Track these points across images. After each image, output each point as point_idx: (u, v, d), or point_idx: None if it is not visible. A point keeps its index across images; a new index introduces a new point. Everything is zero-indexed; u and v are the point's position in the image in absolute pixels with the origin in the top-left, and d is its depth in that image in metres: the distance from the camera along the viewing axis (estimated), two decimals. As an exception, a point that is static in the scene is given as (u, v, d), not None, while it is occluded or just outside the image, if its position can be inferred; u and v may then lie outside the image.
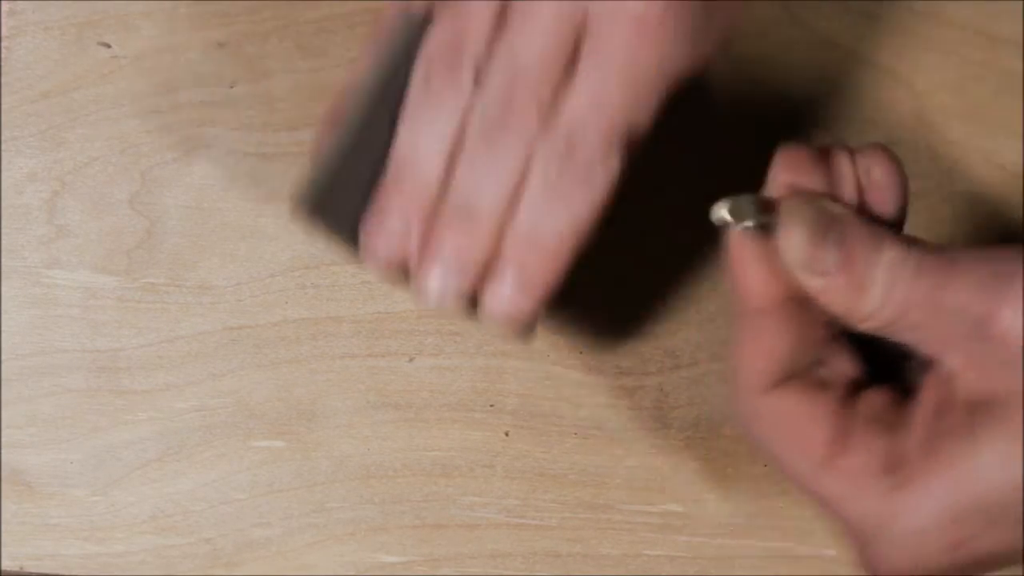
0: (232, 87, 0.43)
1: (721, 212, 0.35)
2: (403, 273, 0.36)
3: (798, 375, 0.35)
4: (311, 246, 0.43)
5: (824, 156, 0.35)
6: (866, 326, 0.34)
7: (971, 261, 0.33)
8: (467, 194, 0.34)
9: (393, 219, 0.35)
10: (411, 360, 0.43)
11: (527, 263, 0.34)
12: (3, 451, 0.43)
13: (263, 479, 0.43)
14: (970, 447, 0.32)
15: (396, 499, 0.43)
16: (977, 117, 0.44)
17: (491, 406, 0.44)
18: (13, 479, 0.43)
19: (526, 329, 0.36)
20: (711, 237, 0.44)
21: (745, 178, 0.44)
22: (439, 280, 0.35)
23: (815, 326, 0.35)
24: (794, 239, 0.34)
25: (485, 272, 0.35)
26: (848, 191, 0.35)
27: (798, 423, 0.34)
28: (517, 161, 0.34)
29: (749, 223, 0.35)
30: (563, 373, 0.43)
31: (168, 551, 0.43)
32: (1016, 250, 0.34)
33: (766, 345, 0.35)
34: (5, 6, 0.43)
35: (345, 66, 0.43)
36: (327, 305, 0.43)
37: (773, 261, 0.34)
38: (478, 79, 0.34)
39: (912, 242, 0.34)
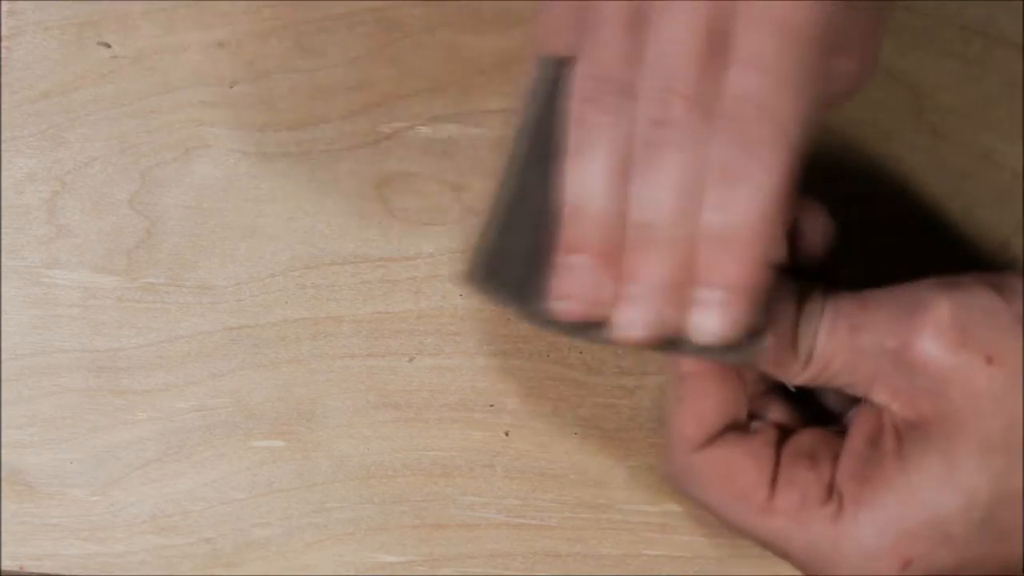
0: (232, 87, 0.43)
1: None
2: (603, 320, 0.33)
3: (729, 429, 0.36)
4: (311, 246, 0.43)
5: None
6: (799, 381, 0.35)
7: (882, 299, 0.34)
8: (645, 214, 0.31)
9: (578, 267, 0.32)
10: (411, 360, 0.43)
11: (724, 267, 0.31)
12: (3, 451, 0.43)
13: (263, 479, 0.43)
14: (901, 470, 0.33)
15: (396, 499, 0.43)
16: (977, 117, 0.44)
17: (491, 406, 0.44)
18: (13, 479, 0.43)
19: (749, 341, 0.32)
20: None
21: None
22: (639, 314, 0.32)
23: (747, 383, 0.37)
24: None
25: (686, 293, 0.32)
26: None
27: (731, 472, 0.35)
28: (687, 165, 0.31)
29: None
30: (563, 373, 0.43)
31: (168, 551, 0.43)
32: (923, 283, 0.35)
33: (696, 407, 0.36)
34: (5, 6, 0.43)
35: (345, 66, 0.43)
36: (327, 305, 0.43)
37: None
38: (631, 98, 0.31)
39: (827, 291, 0.35)
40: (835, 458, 0.35)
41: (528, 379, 0.43)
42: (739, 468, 0.35)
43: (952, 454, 0.33)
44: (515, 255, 0.34)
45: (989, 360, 0.33)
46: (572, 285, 0.32)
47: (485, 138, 0.43)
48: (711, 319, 0.31)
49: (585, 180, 0.32)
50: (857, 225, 0.44)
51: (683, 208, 0.31)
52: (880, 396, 0.34)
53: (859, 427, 0.35)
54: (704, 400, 0.36)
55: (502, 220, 0.34)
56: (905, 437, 0.34)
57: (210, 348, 0.43)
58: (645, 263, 0.31)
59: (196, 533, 0.43)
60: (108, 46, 0.43)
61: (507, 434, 0.44)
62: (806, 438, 0.36)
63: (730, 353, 0.33)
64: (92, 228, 0.43)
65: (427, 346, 0.43)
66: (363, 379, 0.43)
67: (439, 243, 0.43)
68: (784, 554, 0.36)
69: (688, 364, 0.36)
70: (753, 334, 0.32)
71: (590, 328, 0.33)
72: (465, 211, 0.43)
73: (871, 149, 0.44)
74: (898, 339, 0.34)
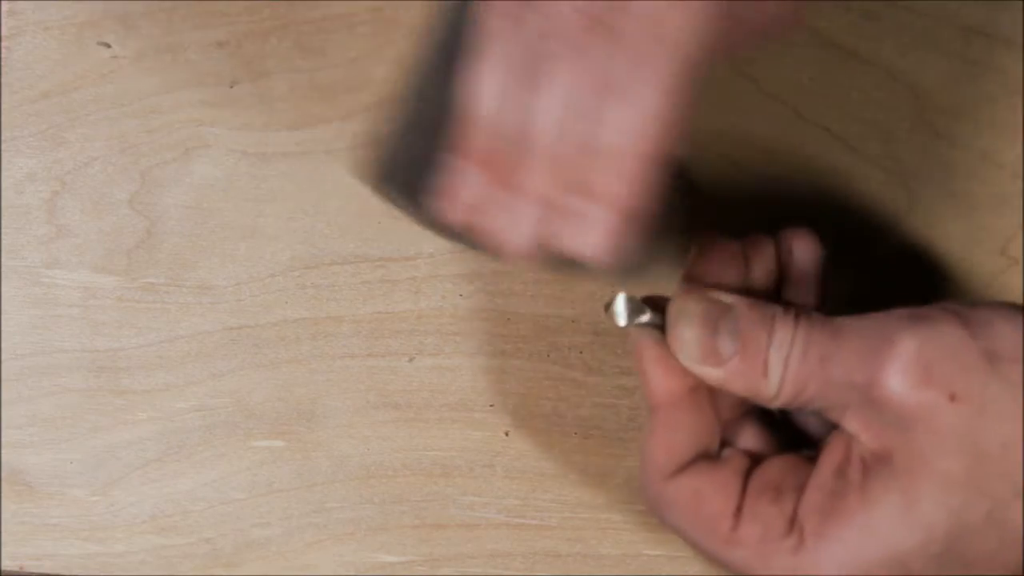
0: (232, 87, 0.43)
1: (614, 307, 0.36)
2: (486, 229, 0.33)
3: (704, 455, 0.36)
4: (311, 246, 0.43)
5: (739, 244, 0.37)
6: (774, 405, 0.35)
7: (852, 331, 0.34)
8: (535, 126, 0.31)
9: (464, 172, 0.32)
10: (411, 360, 0.43)
11: (606, 183, 0.31)
12: (3, 451, 0.43)
13: (263, 479, 0.43)
14: (863, 504, 0.34)
15: (396, 499, 0.43)
16: (977, 117, 0.44)
17: (491, 406, 0.44)
18: (13, 479, 0.43)
19: (627, 261, 0.32)
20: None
21: (746, 177, 0.44)
22: (518, 226, 0.32)
23: (720, 410, 0.37)
24: (685, 337, 0.35)
25: (567, 208, 0.31)
26: (763, 272, 0.37)
27: (698, 502, 0.36)
28: (580, 79, 0.30)
29: (644, 319, 0.36)
30: (563, 373, 0.43)
31: (168, 551, 0.43)
32: (893, 315, 0.35)
33: (666, 438, 0.36)
34: (5, 6, 0.43)
35: (345, 66, 0.43)
36: (327, 305, 0.43)
37: (670, 358, 0.36)
38: (534, 11, 0.31)
39: (800, 316, 0.35)
40: (800, 489, 0.35)
41: (528, 379, 0.43)
42: (705, 498, 0.36)
43: (912, 490, 0.33)
44: (412, 156, 0.34)
45: (952, 397, 0.33)
46: (457, 189, 0.32)
47: (485, 138, 0.43)
48: (588, 235, 0.31)
49: (480, 86, 0.31)
50: (857, 225, 0.44)
51: (572, 122, 0.31)
52: (851, 425, 0.35)
53: (828, 456, 0.35)
54: (675, 432, 0.36)
55: (403, 121, 0.34)
56: (870, 470, 0.34)
57: (210, 348, 0.43)
58: (529, 175, 0.31)
59: (196, 533, 0.43)
60: (108, 46, 0.43)
61: (507, 434, 0.44)
62: (775, 467, 0.36)
63: (609, 273, 0.33)
64: (92, 228, 0.43)
65: (427, 346, 0.43)
66: (363, 379, 0.43)
67: (439, 243, 0.43)
68: None
69: (661, 394, 0.36)
70: (636, 258, 0.32)
71: (474, 236, 0.33)
72: (465, 211, 0.43)
73: (871, 149, 0.44)
74: (865, 374, 0.34)
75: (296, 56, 0.43)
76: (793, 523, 0.34)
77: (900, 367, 0.33)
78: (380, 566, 0.43)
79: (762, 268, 0.38)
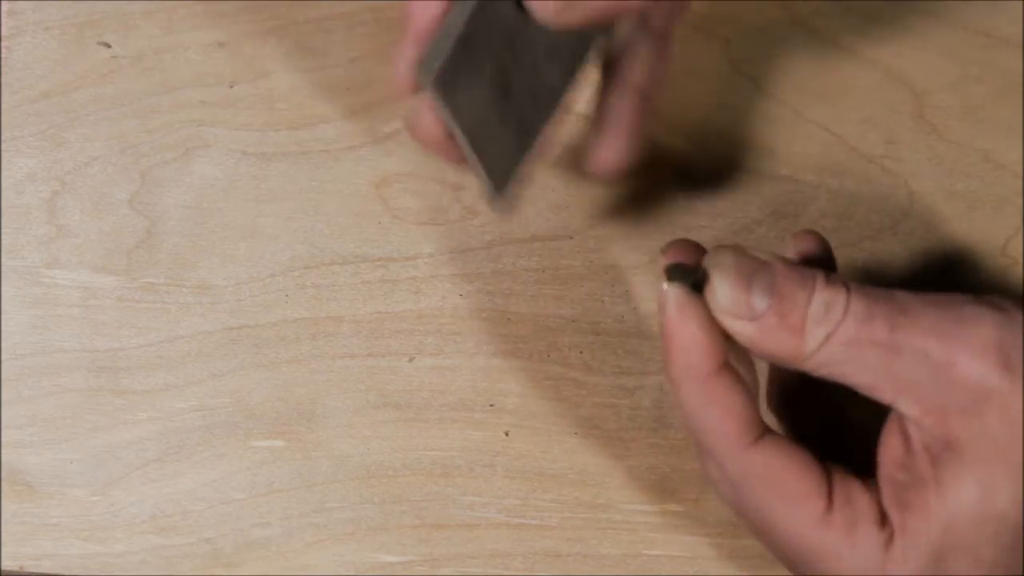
0: (232, 87, 0.43)
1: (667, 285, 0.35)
2: None
3: (769, 431, 0.35)
4: (311, 246, 0.43)
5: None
6: (808, 366, 0.34)
7: (920, 306, 0.33)
8: None
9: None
10: (411, 360, 0.43)
11: None
12: (3, 451, 0.43)
13: (263, 479, 0.43)
14: (940, 497, 0.33)
15: (396, 499, 0.43)
16: (977, 117, 0.44)
17: (491, 406, 0.44)
18: (13, 479, 0.43)
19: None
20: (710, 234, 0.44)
21: (746, 176, 0.44)
22: None
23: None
24: (720, 285, 0.34)
25: None
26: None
27: (787, 479, 0.34)
28: None
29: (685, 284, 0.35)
30: (563, 373, 0.43)
31: (168, 551, 0.43)
32: (961, 298, 0.34)
33: (730, 405, 0.35)
34: (5, 6, 0.43)
35: (345, 66, 0.43)
36: (327, 305, 0.43)
37: (714, 321, 0.35)
38: None
39: (852, 284, 0.34)
40: (875, 478, 0.34)
41: (528, 379, 0.43)
42: (793, 475, 0.34)
43: (988, 479, 0.32)
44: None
45: None
46: None
47: (485, 138, 0.43)
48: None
49: None
50: (857, 225, 0.44)
51: None
52: (909, 408, 0.33)
53: (888, 451, 0.34)
54: (733, 397, 0.35)
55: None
56: (938, 459, 0.33)
57: (210, 348, 0.43)
58: None
59: (196, 533, 0.43)
60: (108, 46, 0.43)
61: (507, 434, 0.44)
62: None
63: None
64: (92, 228, 0.43)
65: (427, 346, 0.43)
66: (363, 379, 0.43)
67: (439, 243, 0.43)
68: (822, 567, 0.35)
69: (706, 363, 0.35)
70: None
71: None
72: (465, 211, 0.43)
73: (871, 149, 0.44)
74: (942, 352, 0.33)
75: (296, 56, 0.43)
76: (884, 515, 0.34)
77: (980, 350, 0.33)
78: (380, 566, 0.43)
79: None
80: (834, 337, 0.33)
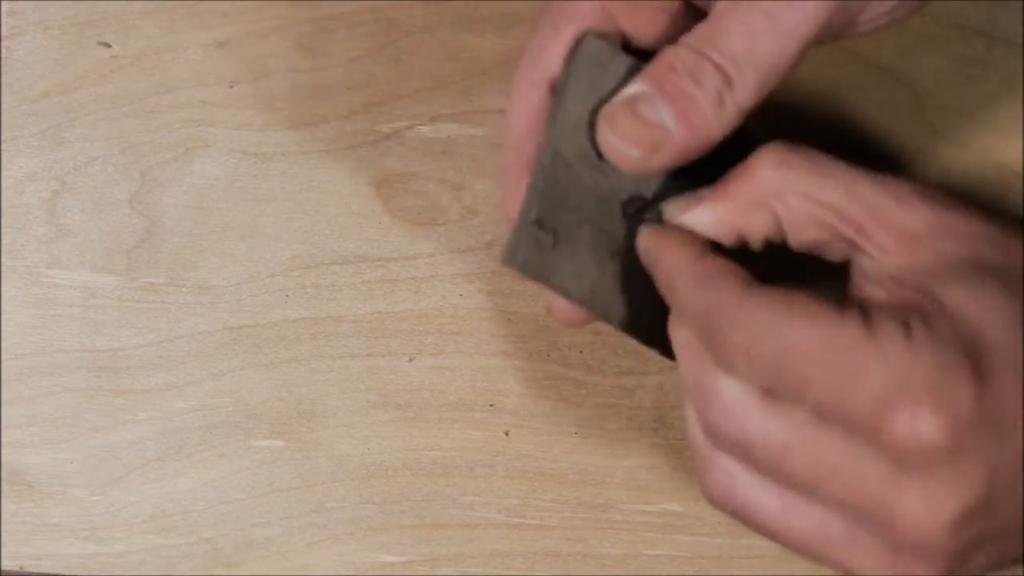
0: (232, 87, 0.43)
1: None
2: None
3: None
4: (311, 246, 0.43)
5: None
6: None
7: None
8: None
9: None
10: (411, 360, 0.43)
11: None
12: (3, 451, 0.43)
13: (263, 479, 0.43)
14: (955, 294, 0.32)
15: (396, 499, 0.43)
16: (977, 117, 0.44)
17: (491, 406, 0.44)
18: (13, 479, 0.43)
19: None
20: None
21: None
22: None
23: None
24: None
25: None
26: None
27: (796, 301, 0.33)
28: None
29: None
30: (563, 373, 0.43)
31: (168, 551, 0.43)
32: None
33: (725, 267, 0.35)
34: (5, 6, 0.43)
35: (345, 66, 0.43)
36: (327, 305, 0.43)
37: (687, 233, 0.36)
38: None
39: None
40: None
41: (528, 379, 0.43)
42: (801, 298, 0.33)
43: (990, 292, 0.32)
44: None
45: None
46: None
47: (485, 138, 0.43)
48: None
49: None
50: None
51: None
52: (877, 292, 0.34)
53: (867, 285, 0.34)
54: (726, 264, 0.35)
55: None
56: (930, 284, 0.33)
57: (210, 348, 0.43)
58: None
59: (196, 533, 0.43)
60: (108, 46, 0.43)
61: (507, 434, 0.44)
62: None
63: None
64: (92, 228, 0.43)
65: (427, 346, 0.43)
66: (363, 379, 0.43)
67: (439, 243, 0.43)
68: (849, 389, 0.32)
69: (686, 254, 0.36)
70: None
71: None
72: (465, 211, 0.43)
73: (871, 149, 0.44)
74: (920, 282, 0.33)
75: (296, 56, 0.43)
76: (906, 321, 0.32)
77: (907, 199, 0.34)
78: (380, 566, 0.43)
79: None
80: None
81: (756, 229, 0.36)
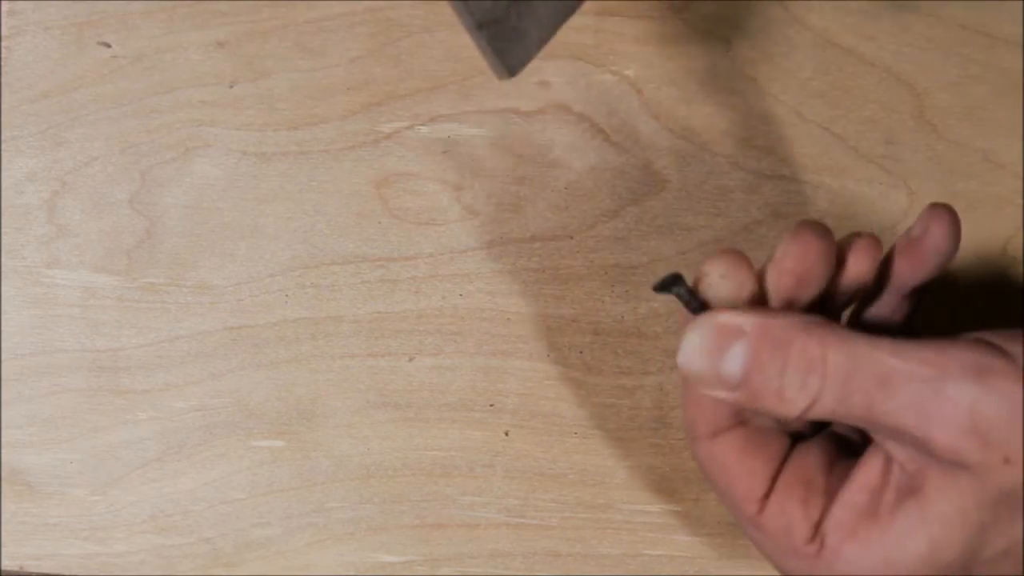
0: (232, 87, 0.43)
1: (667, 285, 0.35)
2: None
3: (742, 423, 0.36)
4: (311, 246, 0.43)
5: (834, 240, 0.35)
6: (798, 423, 0.36)
7: (903, 377, 0.33)
8: None
9: None
10: (411, 360, 0.44)
11: None
12: (3, 451, 0.43)
13: (263, 479, 0.43)
14: (886, 535, 0.33)
15: (396, 499, 0.43)
16: (977, 117, 0.44)
17: (491, 406, 0.44)
18: (13, 479, 0.43)
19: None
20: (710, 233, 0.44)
21: (747, 176, 0.44)
22: None
23: None
24: (692, 366, 0.34)
25: None
26: (858, 272, 0.35)
27: (733, 474, 0.36)
28: None
29: (681, 291, 0.35)
30: (563, 373, 0.43)
31: (168, 551, 0.43)
32: (952, 357, 0.33)
33: (702, 399, 0.36)
34: (5, 6, 0.43)
35: (345, 66, 0.43)
36: (327, 305, 0.43)
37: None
38: None
39: (840, 341, 0.33)
40: (830, 495, 0.35)
41: (528, 379, 0.43)
42: (742, 474, 0.35)
43: (943, 538, 0.33)
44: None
45: (1006, 460, 0.32)
46: None
47: (485, 138, 0.43)
48: None
49: None
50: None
51: None
52: (897, 451, 0.34)
53: (864, 472, 0.34)
54: (707, 397, 0.35)
55: None
56: (902, 502, 0.33)
57: (210, 348, 0.43)
58: None
59: (196, 533, 0.43)
60: (108, 46, 0.43)
61: (507, 434, 0.44)
62: (810, 458, 0.36)
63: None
64: (92, 228, 0.43)
65: (427, 346, 0.43)
66: (363, 379, 0.43)
67: (439, 243, 0.43)
68: (766, 557, 0.36)
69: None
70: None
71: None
72: (465, 211, 0.43)
73: (871, 149, 0.44)
74: (920, 429, 0.32)
75: (296, 56, 0.43)
76: (816, 531, 0.34)
77: (956, 431, 0.32)
78: (380, 566, 0.43)
79: (857, 269, 0.36)
80: (815, 408, 0.33)
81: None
